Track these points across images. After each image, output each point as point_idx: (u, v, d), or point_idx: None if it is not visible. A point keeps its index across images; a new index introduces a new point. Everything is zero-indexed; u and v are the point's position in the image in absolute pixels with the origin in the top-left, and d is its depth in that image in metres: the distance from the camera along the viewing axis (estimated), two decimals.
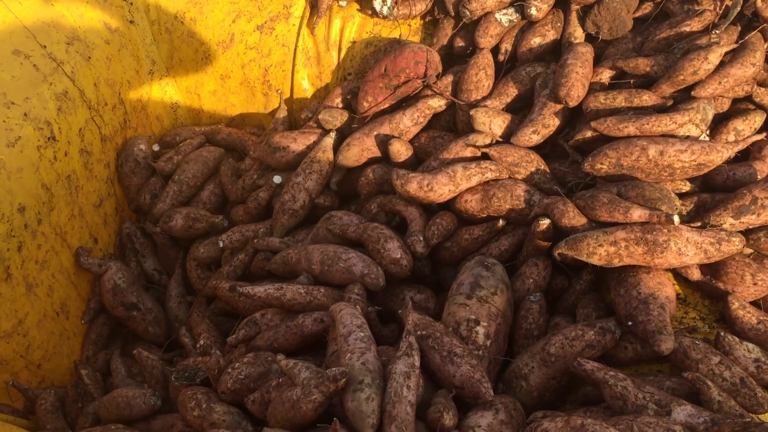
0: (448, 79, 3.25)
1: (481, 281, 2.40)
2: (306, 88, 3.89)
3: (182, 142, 3.95)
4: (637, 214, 2.33)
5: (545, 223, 2.48)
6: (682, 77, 2.62)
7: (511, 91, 3.08)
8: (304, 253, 2.82)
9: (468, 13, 3.25)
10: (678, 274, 2.43)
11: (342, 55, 3.77)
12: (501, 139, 2.95)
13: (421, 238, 2.74)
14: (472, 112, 2.94)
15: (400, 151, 3.06)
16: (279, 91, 3.92)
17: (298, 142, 3.34)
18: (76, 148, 3.32)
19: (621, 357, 2.21)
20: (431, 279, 2.90)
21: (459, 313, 2.31)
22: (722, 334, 2.12)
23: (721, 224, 2.33)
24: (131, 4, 3.95)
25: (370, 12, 3.64)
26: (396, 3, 3.51)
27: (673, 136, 2.53)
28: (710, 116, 2.60)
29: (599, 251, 2.27)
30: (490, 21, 3.22)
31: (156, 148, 3.86)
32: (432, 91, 3.19)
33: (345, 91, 3.52)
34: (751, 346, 2.11)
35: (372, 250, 2.71)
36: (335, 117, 3.37)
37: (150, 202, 3.72)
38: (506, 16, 3.21)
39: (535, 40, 3.14)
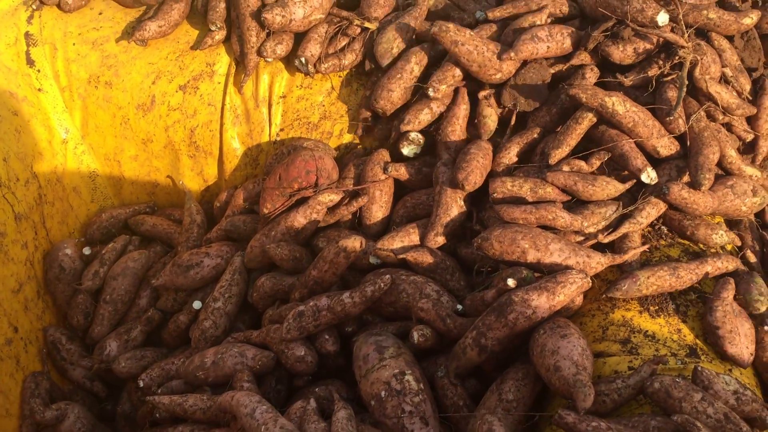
0: (351, 172, 3.24)
1: (382, 343, 2.48)
2: (236, 147, 3.73)
3: (105, 230, 3.80)
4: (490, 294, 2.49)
5: (424, 335, 2.54)
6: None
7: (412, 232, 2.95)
8: (198, 354, 2.82)
9: (380, 111, 3.27)
10: (643, 310, 2.43)
11: (272, 111, 3.65)
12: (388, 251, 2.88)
13: (327, 337, 2.71)
14: (370, 257, 2.89)
15: (279, 255, 3.00)
16: (182, 184, 3.85)
17: (211, 256, 3.26)
18: None
19: (602, 411, 2.11)
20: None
21: (384, 374, 2.34)
22: (699, 368, 2.10)
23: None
24: (39, 71, 3.71)
25: (297, 65, 3.55)
26: (320, 60, 3.44)
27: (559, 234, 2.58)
28: (612, 220, 2.62)
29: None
30: (401, 142, 3.22)
31: (87, 251, 3.58)
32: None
33: (247, 196, 3.49)
34: (727, 378, 2.09)
35: (277, 351, 2.74)
36: (238, 227, 3.39)
37: (84, 323, 3.41)
38: (411, 148, 3.22)
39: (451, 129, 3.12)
